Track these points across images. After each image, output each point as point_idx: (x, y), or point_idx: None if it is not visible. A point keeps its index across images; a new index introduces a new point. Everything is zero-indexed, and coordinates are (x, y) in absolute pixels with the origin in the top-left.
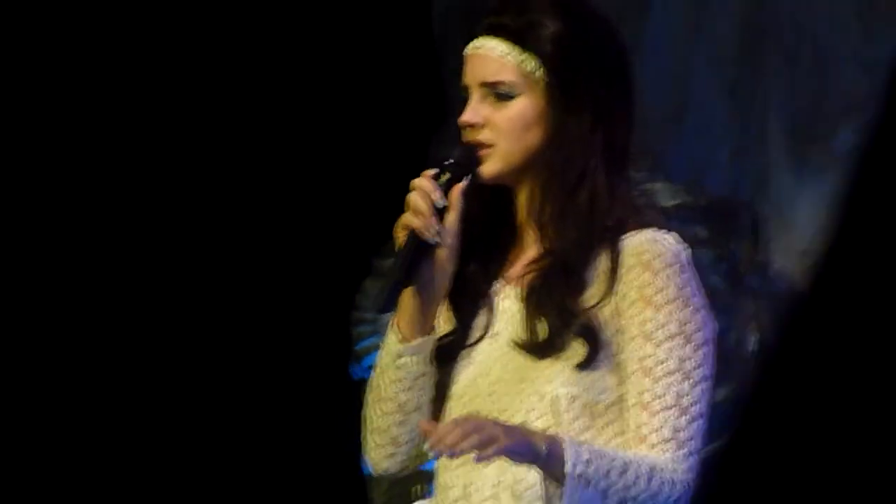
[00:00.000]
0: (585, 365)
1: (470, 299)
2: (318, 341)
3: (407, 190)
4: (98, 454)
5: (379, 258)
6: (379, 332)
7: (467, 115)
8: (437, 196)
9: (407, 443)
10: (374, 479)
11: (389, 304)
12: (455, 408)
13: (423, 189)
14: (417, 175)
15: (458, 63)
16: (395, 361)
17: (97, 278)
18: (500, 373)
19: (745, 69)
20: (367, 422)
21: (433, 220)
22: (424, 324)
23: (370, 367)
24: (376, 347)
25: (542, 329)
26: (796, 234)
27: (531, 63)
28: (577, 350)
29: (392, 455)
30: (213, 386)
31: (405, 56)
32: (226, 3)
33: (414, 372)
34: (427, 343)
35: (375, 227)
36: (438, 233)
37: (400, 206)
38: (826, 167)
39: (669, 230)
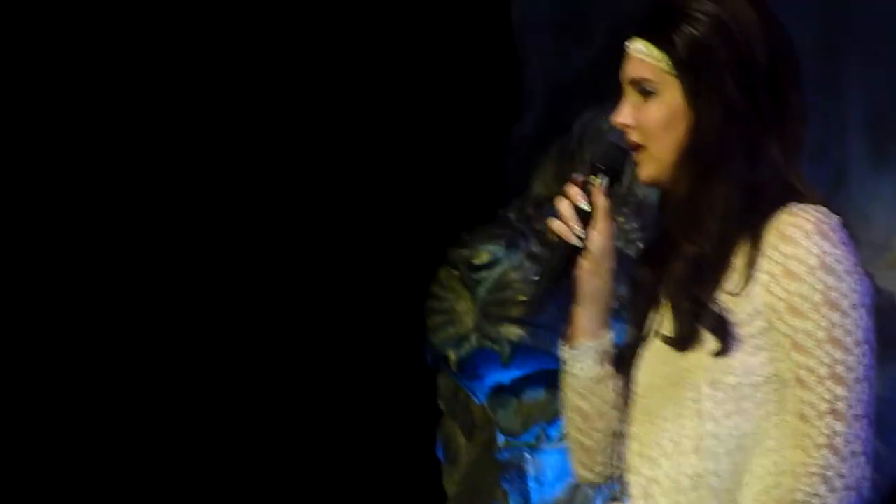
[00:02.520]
0: (721, 353)
1: (646, 303)
2: (395, 331)
3: (484, 180)
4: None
5: (454, 247)
6: (453, 322)
7: (616, 116)
8: (580, 201)
9: (599, 452)
10: (447, 469)
11: (540, 307)
12: (636, 409)
13: (568, 194)
14: (494, 165)
15: (537, 60)
16: (566, 370)
17: (150, 281)
18: (664, 369)
19: (824, 64)
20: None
21: (575, 224)
22: (588, 328)
23: (444, 357)
24: (450, 337)
25: (680, 324)
26: (875, 229)
27: (666, 63)
28: (715, 339)
29: (589, 466)
30: (292, 376)
31: (485, 50)
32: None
33: (585, 378)
34: (591, 348)
35: (452, 216)
36: (582, 237)
37: (476, 197)
38: None
39: (817, 206)
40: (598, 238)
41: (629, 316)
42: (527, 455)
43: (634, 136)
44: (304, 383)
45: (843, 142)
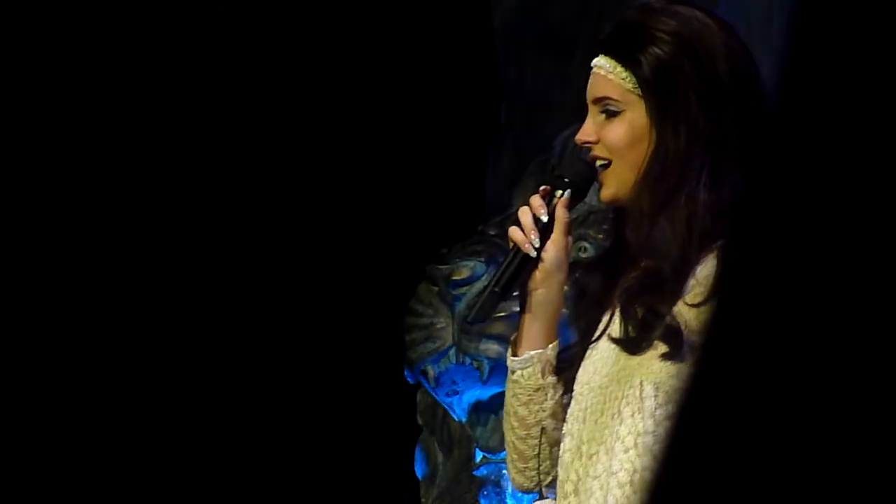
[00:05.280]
0: (669, 357)
1: (594, 312)
2: (374, 346)
3: (463, 196)
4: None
5: (434, 263)
6: (432, 337)
7: (580, 133)
8: (540, 212)
9: (533, 458)
10: (425, 485)
11: (483, 314)
12: (576, 407)
13: (530, 204)
14: (473, 180)
15: (518, 76)
16: (510, 376)
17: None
18: (608, 369)
19: None
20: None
21: (533, 234)
22: (534, 337)
23: (423, 372)
24: (428, 353)
25: (632, 328)
26: None
27: (631, 81)
28: (665, 345)
29: (522, 471)
30: (271, 390)
31: (466, 65)
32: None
33: (528, 386)
34: (535, 357)
35: (432, 232)
36: (537, 248)
37: (454, 213)
38: None
39: None
40: (553, 250)
41: (575, 318)
42: (505, 472)
43: (597, 151)
44: (283, 397)
45: None
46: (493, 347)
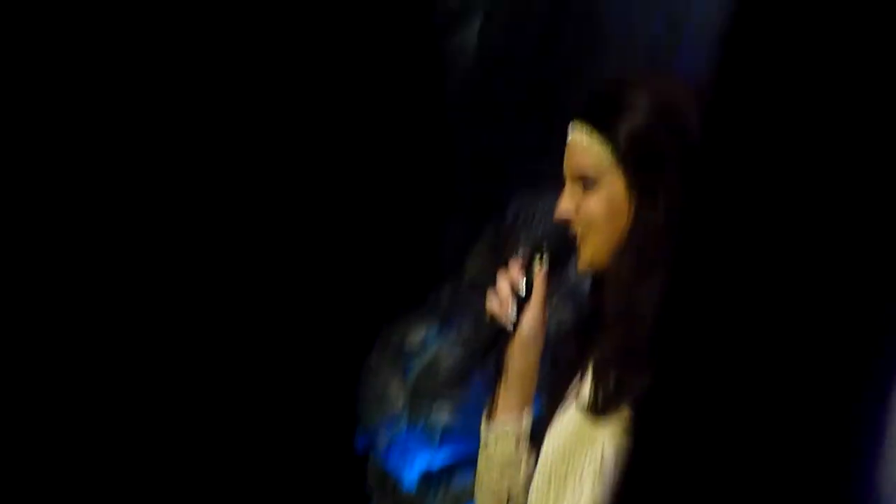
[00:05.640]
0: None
1: (566, 379)
2: (326, 414)
3: (417, 263)
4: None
5: (387, 330)
6: (385, 409)
7: (559, 208)
8: (518, 285)
9: None
10: None
11: (464, 383)
12: (539, 473)
13: (508, 273)
14: (426, 248)
15: (471, 142)
16: (482, 446)
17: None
18: (572, 434)
19: None
20: None
21: (510, 307)
22: (509, 408)
23: (374, 438)
24: (380, 420)
25: (602, 396)
26: None
27: (609, 154)
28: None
29: None
30: (220, 459)
31: (418, 134)
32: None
33: (500, 456)
34: (511, 427)
35: (385, 299)
36: (514, 320)
37: (408, 279)
38: None
39: None
40: (531, 322)
41: (547, 386)
42: None
43: (577, 226)
44: (232, 468)
45: None
46: (444, 415)
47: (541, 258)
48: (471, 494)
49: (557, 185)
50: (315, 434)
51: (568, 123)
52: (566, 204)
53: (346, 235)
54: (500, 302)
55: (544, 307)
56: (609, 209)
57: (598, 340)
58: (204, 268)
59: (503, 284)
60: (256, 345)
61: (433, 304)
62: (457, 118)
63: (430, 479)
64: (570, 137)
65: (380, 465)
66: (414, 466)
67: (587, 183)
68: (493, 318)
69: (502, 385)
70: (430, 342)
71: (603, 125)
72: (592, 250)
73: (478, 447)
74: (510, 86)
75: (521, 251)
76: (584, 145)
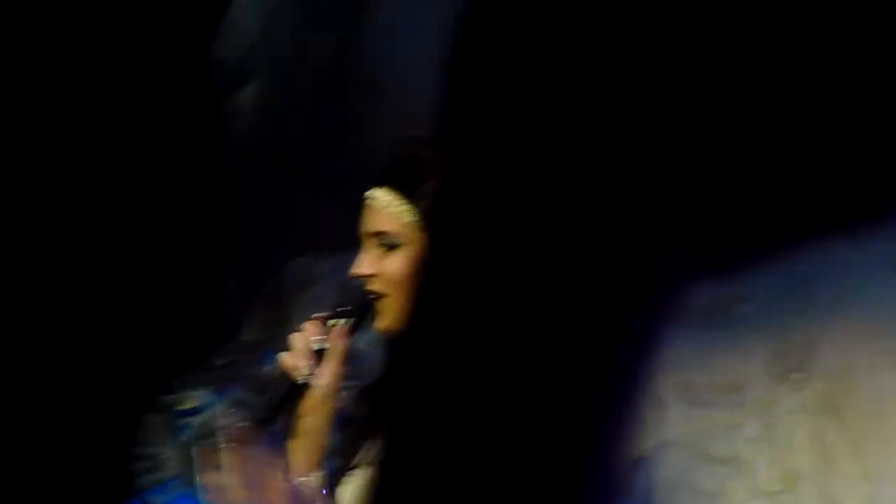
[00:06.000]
0: None
1: (358, 439)
2: (99, 477)
3: (192, 326)
4: None
5: (161, 393)
6: (157, 467)
7: (356, 266)
8: (315, 339)
9: None
10: None
11: (254, 439)
12: None
13: (305, 330)
14: (202, 311)
15: (248, 202)
16: None
17: None
18: (361, 493)
19: None
20: None
21: (306, 361)
22: (300, 465)
23: (148, 503)
24: (154, 483)
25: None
26: None
27: (412, 214)
28: None
29: None
30: None
31: (195, 195)
32: None
33: None
34: (302, 485)
35: (159, 362)
36: (308, 376)
37: (182, 343)
38: None
39: None
40: (327, 378)
41: (339, 444)
42: None
43: (374, 286)
44: None
45: None
46: (216, 476)
47: (339, 316)
48: None
49: (341, 246)
50: (91, 496)
51: (349, 185)
52: (365, 263)
53: (123, 299)
54: (293, 357)
55: (341, 364)
56: (412, 268)
57: (390, 401)
58: None
59: (299, 340)
60: (25, 408)
61: (208, 368)
62: (234, 180)
63: None
64: (369, 200)
65: None
66: None
67: (388, 244)
68: (283, 375)
69: (293, 441)
70: (204, 406)
71: (407, 187)
72: (392, 310)
73: None
74: (290, 145)
75: (317, 310)
76: (385, 206)
